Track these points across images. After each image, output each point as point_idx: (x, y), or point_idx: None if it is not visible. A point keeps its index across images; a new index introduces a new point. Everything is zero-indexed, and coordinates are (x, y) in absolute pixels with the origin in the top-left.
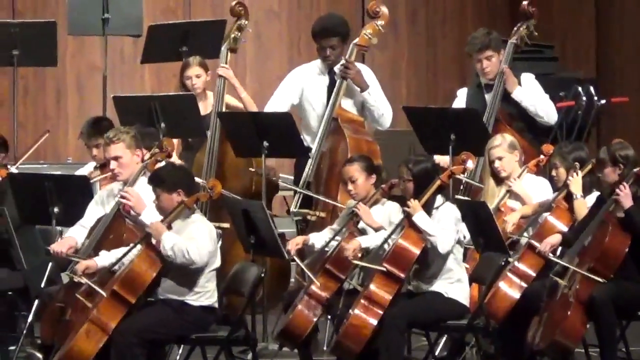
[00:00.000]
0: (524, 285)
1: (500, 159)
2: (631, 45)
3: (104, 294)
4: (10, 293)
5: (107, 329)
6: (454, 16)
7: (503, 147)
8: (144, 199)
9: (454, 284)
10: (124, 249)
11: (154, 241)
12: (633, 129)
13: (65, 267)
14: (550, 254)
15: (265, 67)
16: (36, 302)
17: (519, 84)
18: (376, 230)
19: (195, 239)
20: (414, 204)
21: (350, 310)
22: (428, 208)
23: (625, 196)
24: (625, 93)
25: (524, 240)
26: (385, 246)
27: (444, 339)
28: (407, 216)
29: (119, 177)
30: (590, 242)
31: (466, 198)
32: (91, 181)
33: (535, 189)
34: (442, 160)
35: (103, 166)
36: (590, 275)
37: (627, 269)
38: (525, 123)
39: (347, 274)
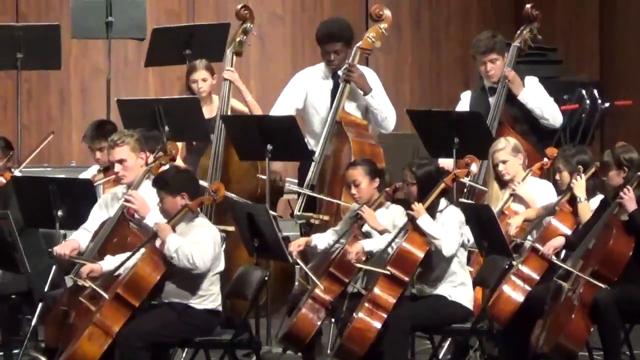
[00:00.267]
0: (528, 288)
1: (504, 162)
2: (635, 48)
3: (107, 297)
4: (14, 296)
5: (110, 333)
6: (457, 19)
7: (507, 150)
8: (148, 203)
9: (458, 287)
10: (128, 253)
11: (158, 243)
12: (637, 132)
13: (69, 270)
14: (554, 257)
15: (269, 71)
16: (40, 305)
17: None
18: (380, 233)
19: (200, 243)
20: (418, 207)
21: (354, 314)
22: (432, 211)
23: (629, 199)
24: (629, 96)
25: (527, 244)
26: (389, 249)
27: (448, 342)
28: (411, 219)
29: (123, 180)
30: (594, 245)
31: (470, 201)
32: (95, 184)
33: (539, 192)
34: (446, 163)
35: (107, 169)
36: (593, 281)
37: (631, 272)
38: (529, 126)
39: (351, 278)
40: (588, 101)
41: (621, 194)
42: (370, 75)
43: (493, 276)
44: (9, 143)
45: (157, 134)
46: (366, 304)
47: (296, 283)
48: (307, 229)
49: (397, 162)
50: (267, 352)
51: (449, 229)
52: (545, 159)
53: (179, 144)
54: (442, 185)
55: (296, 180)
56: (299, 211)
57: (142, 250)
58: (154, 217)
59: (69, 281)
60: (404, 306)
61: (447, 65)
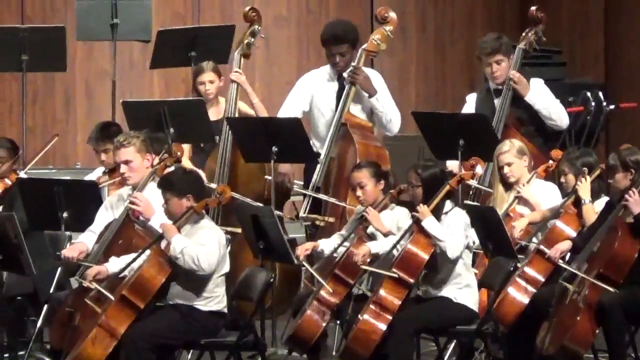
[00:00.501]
0: (533, 290)
1: (509, 164)
2: None
3: (112, 298)
4: (19, 298)
5: (116, 334)
6: (463, 22)
7: (512, 152)
8: (153, 204)
9: (463, 289)
10: (133, 255)
11: (163, 244)
12: None
13: (74, 272)
14: (560, 260)
15: (274, 73)
16: (45, 307)
17: None
18: (385, 235)
19: (205, 245)
20: (423, 209)
21: (359, 316)
22: (437, 213)
23: (634, 202)
24: (633, 98)
25: (532, 246)
26: (394, 251)
27: (453, 344)
28: (416, 221)
29: (129, 181)
30: (599, 247)
31: (475, 203)
32: (100, 186)
33: (544, 195)
34: (452, 165)
35: (112, 171)
36: (598, 283)
37: (636, 274)
38: (534, 128)
39: (356, 279)
40: (593, 103)
41: (627, 196)
42: (375, 77)
43: (498, 278)
44: (15, 145)
45: (162, 136)
46: (371, 306)
47: (301, 285)
48: (313, 231)
49: (402, 164)
50: (273, 354)
51: (454, 231)
52: (550, 161)
53: (186, 146)
54: (447, 187)
55: (302, 182)
56: (304, 213)
57: (148, 252)
58: (158, 219)
59: (74, 283)
60: (409, 308)
61: (452, 68)
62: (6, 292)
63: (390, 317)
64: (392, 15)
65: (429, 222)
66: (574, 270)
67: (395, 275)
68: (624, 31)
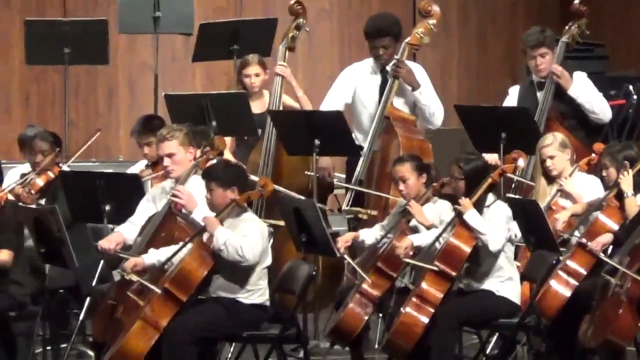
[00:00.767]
0: (575, 283)
1: (551, 157)
2: None
3: (157, 290)
4: (62, 291)
5: (158, 327)
6: (504, 15)
7: (554, 146)
8: (195, 197)
9: (505, 282)
10: (174, 247)
11: (205, 237)
12: None
13: (116, 265)
14: (602, 253)
15: (316, 66)
16: (87, 300)
17: None
18: (427, 228)
19: (248, 236)
20: (465, 202)
21: (402, 309)
22: (479, 206)
23: None
24: None
25: (575, 239)
26: (437, 244)
27: (495, 337)
28: (459, 214)
29: (172, 174)
30: None
31: (517, 196)
32: (142, 180)
33: (586, 188)
34: (493, 158)
35: (154, 164)
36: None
37: None
38: (576, 121)
39: (399, 272)
40: (635, 96)
41: None
42: (418, 70)
43: (540, 271)
44: (57, 138)
45: (204, 129)
46: (414, 299)
47: (344, 278)
48: (355, 224)
49: (444, 158)
50: (315, 347)
51: (496, 224)
52: (593, 154)
53: (228, 139)
54: (490, 181)
55: (343, 176)
56: (347, 206)
57: (190, 245)
58: (201, 212)
59: (116, 276)
60: (451, 301)
61: (494, 61)
62: (49, 285)
63: (432, 310)
64: (436, 8)
65: (471, 215)
66: (615, 264)
67: (437, 269)
68: None
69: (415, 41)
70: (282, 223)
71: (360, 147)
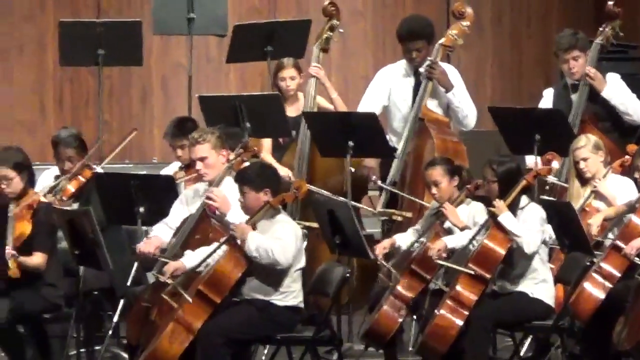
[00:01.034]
0: (609, 285)
1: (585, 159)
2: None
3: (189, 299)
4: (96, 293)
5: (192, 329)
6: (538, 16)
7: (588, 148)
8: (229, 199)
9: (539, 284)
10: (209, 249)
11: (239, 240)
12: None
13: (150, 267)
14: (636, 258)
15: (350, 67)
16: (122, 302)
17: None
18: (461, 230)
19: (281, 239)
20: (500, 205)
21: (436, 311)
22: (513, 208)
23: None
24: None
25: (608, 241)
26: (471, 246)
27: (529, 339)
28: (493, 216)
29: (205, 177)
30: None
31: (551, 199)
32: (176, 182)
33: (620, 189)
34: (532, 161)
35: (188, 167)
36: None
37: None
38: (611, 123)
39: (433, 274)
40: None
41: None
42: (452, 72)
43: (574, 273)
44: (83, 142)
45: (237, 131)
46: (448, 301)
47: (378, 280)
48: (389, 226)
49: (478, 159)
50: (349, 349)
51: (530, 226)
52: (626, 156)
53: (267, 141)
54: (524, 183)
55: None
56: (381, 208)
57: (224, 247)
58: (235, 214)
59: (151, 278)
60: (485, 303)
61: (527, 63)
62: (83, 287)
63: (466, 313)
64: (469, 10)
65: (505, 218)
66: None
67: (470, 272)
68: None
69: (449, 43)
70: (316, 225)
71: (394, 149)
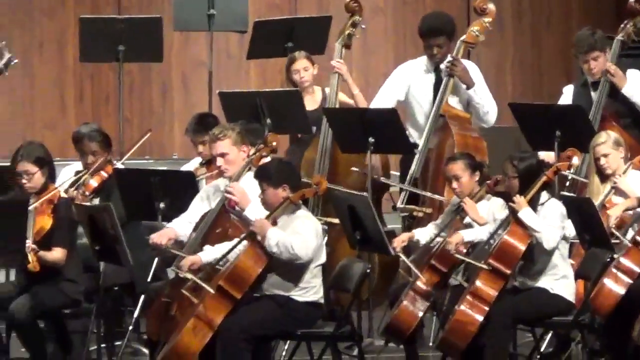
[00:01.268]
0: (629, 281)
1: (605, 155)
2: None
3: (211, 290)
4: (116, 288)
5: (212, 325)
6: (559, 13)
7: (608, 144)
8: (249, 194)
9: (560, 280)
10: (228, 244)
11: (259, 236)
12: None
13: (171, 262)
14: None
15: (371, 63)
16: (142, 297)
17: None
18: (481, 225)
19: (301, 234)
20: (520, 200)
21: (456, 306)
22: (533, 204)
23: None
24: None
25: (629, 236)
26: (491, 242)
27: (550, 335)
28: (513, 212)
29: (226, 173)
30: None
31: (571, 194)
32: (197, 178)
33: None
34: (550, 156)
35: (209, 163)
36: None
37: None
38: (631, 120)
39: (453, 270)
40: None
41: None
42: (472, 69)
43: (595, 269)
44: (107, 138)
45: (258, 127)
46: (468, 297)
47: (398, 276)
48: (410, 222)
49: (498, 156)
50: (369, 345)
51: (551, 222)
52: None
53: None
54: (544, 179)
55: (397, 174)
56: (401, 204)
57: (244, 242)
58: (254, 209)
59: (171, 273)
60: (505, 299)
61: (548, 59)
62: (103, 283)
63: (486, 308)
64: (491, 6)
65: (525, 213)
66: None
67: (488, 267)
68: None
69: (471, 39)
70: (336, 220)
71: (415, 145)
